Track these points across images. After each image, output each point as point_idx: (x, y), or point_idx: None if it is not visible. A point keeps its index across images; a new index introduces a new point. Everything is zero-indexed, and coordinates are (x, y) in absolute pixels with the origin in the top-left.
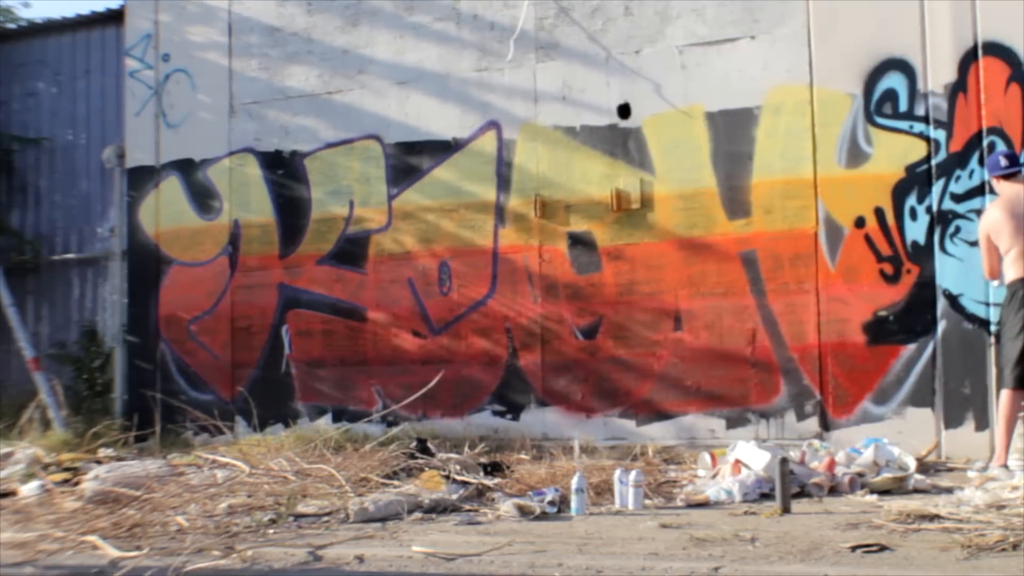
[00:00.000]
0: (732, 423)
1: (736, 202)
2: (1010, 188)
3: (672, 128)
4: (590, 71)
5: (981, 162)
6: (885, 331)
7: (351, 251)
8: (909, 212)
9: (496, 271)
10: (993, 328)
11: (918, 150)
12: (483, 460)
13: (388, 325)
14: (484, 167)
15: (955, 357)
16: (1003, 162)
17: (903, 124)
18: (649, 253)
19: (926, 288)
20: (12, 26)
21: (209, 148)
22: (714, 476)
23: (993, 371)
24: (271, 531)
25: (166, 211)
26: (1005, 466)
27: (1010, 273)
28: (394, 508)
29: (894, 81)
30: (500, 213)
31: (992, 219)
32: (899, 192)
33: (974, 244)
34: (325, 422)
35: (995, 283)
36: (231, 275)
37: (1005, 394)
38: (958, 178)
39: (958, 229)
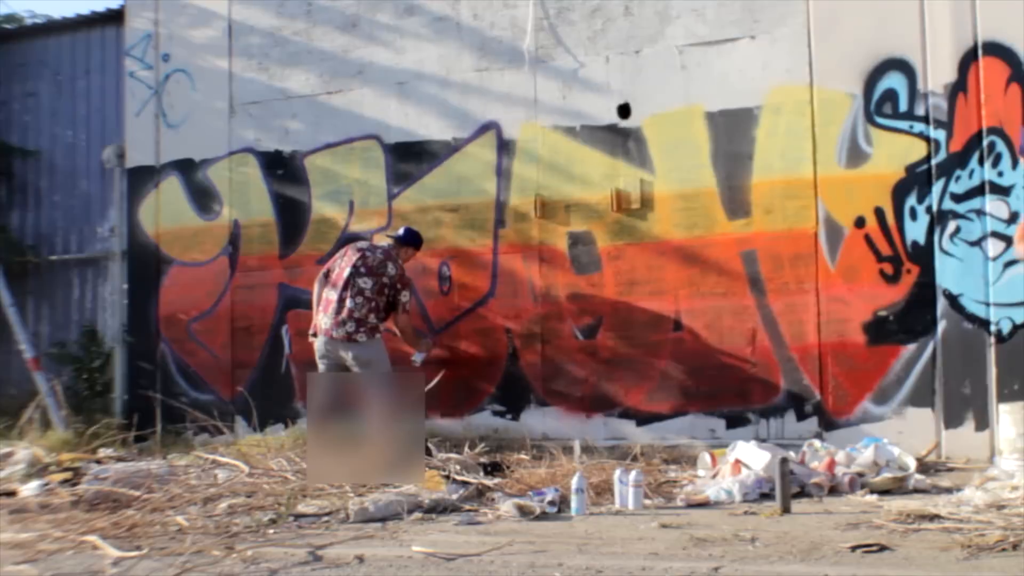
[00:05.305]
0: (732, 423)
1: (736, 202)
2: None
3: (672, 128)
4: (590, 71)
5: (981, 162)
6: (885, 331)
7: None
8: (909, 212)
9: (496, 271)
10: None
11: (918, 150)
12: (483, 460)
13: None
14: (484, 167)
15: (955, 357)
16: None
17: (903, 124)
18: (649, 253)
19: (926, 288)
20: (11, 26)
21: (209, 148)
22: (714, 476)
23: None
24: (271, 531)
25: (166, 211)
26: None
27: None
28: (394, 508)
29: (894, 81)
30: (500, 213)
31: None
32: (899, 192)
33: (974, 244)
34: None
35: None
36: (231, 275)
37: None
38: (958, 178)
39: (958, 229)
